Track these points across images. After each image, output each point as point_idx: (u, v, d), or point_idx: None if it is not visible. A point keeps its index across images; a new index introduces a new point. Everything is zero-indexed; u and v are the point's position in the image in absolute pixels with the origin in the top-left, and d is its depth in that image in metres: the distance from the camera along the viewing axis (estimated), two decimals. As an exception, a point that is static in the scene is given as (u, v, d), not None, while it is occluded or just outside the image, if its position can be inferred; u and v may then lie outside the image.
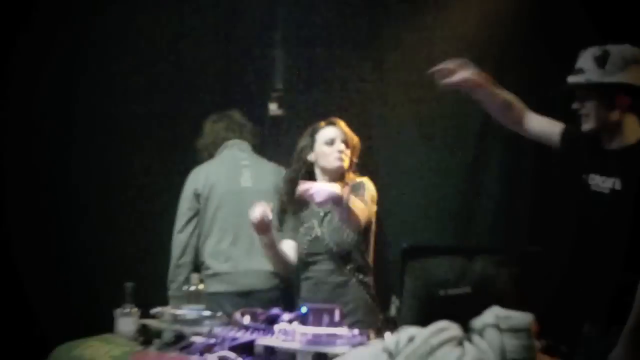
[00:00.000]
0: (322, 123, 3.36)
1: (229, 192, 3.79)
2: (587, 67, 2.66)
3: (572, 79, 2.70)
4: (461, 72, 2.82)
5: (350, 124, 3.42)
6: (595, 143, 2.77)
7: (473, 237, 3.80)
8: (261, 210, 3.05)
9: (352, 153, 3.35)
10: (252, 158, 3.94)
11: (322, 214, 3.30)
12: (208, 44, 4.28)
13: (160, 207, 4.07)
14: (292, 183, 3.30)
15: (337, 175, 3.29)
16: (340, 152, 3.27)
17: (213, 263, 3.81)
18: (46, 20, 4.09)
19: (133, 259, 3.99)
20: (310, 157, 3.33)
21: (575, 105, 2.72)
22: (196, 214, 3.82)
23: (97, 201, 4.23)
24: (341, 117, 3.44)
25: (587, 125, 2.70)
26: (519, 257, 2.29)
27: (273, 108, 3.49)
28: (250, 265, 3.74)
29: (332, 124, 3.35)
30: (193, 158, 4.03)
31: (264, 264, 3.57)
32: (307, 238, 3.31)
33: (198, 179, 3.82)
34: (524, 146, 3.59)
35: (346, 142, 3.31)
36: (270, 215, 3.08)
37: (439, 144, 3.94)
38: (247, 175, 3.81)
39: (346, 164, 3.30)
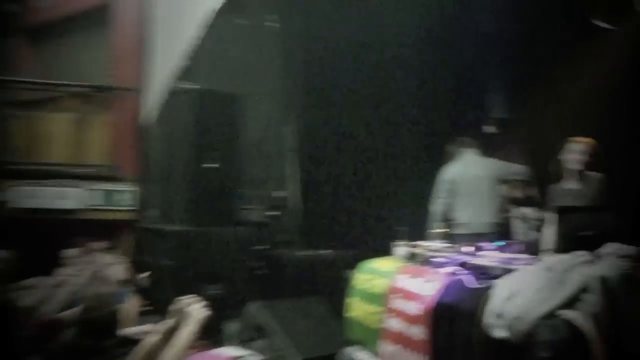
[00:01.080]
0: (574, 138, 4.20)
1: (467, 178, 5.03)
2: None
3: None
4: None
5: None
6: None
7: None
8: None
9: (590, 159, 4.10)
10: (479, 158, 5.11)
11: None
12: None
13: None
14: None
15: (574, 173, 4.13)
16: (577, 160, 4.09)
17: (459, 217, 4.98)
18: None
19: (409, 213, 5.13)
20: (561, 157, 4.20)
21: None
22: (447, 189, 5.03)
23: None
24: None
25: None
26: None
27: (489, 128, 4.42)
28: (479, 219, 4.85)
29: (579, 140, 4.16)
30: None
31: (487, 218, 4.73)
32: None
33: (449, 171, 5.11)
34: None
35: (585, 153, 4.10)
36: None
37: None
38: (477, 167, 5.03)
39: (580, 167, 4.09)
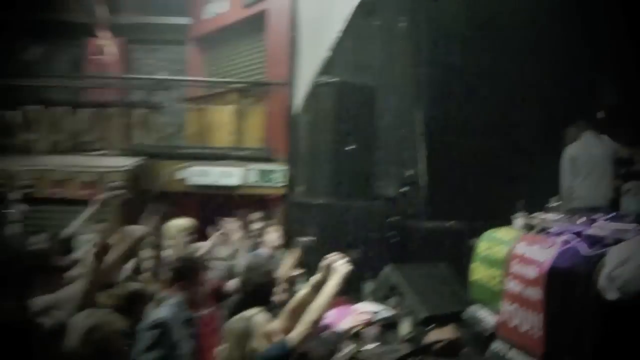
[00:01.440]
0: None
1: (586, 156, 5.07)
2: None
3: None
4: None
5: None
6: None
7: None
8: None
9: None
10: (595, 139, 5.12)
11: None
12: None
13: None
14: None
15: None
16: None
17: (578, 192, 5.00)
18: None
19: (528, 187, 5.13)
20: None
21: None
22: (570, 167, 5.09)
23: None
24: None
25: None
26: None
27: (600, 115, 4.50)
28: (595, 193, 4.88)
29: None
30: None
31: (602, 193, 4.77)
32: None
33: (569, 151, 5.17)
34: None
35: None
36: None
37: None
38: (594, 147, 5.08)
39: None
